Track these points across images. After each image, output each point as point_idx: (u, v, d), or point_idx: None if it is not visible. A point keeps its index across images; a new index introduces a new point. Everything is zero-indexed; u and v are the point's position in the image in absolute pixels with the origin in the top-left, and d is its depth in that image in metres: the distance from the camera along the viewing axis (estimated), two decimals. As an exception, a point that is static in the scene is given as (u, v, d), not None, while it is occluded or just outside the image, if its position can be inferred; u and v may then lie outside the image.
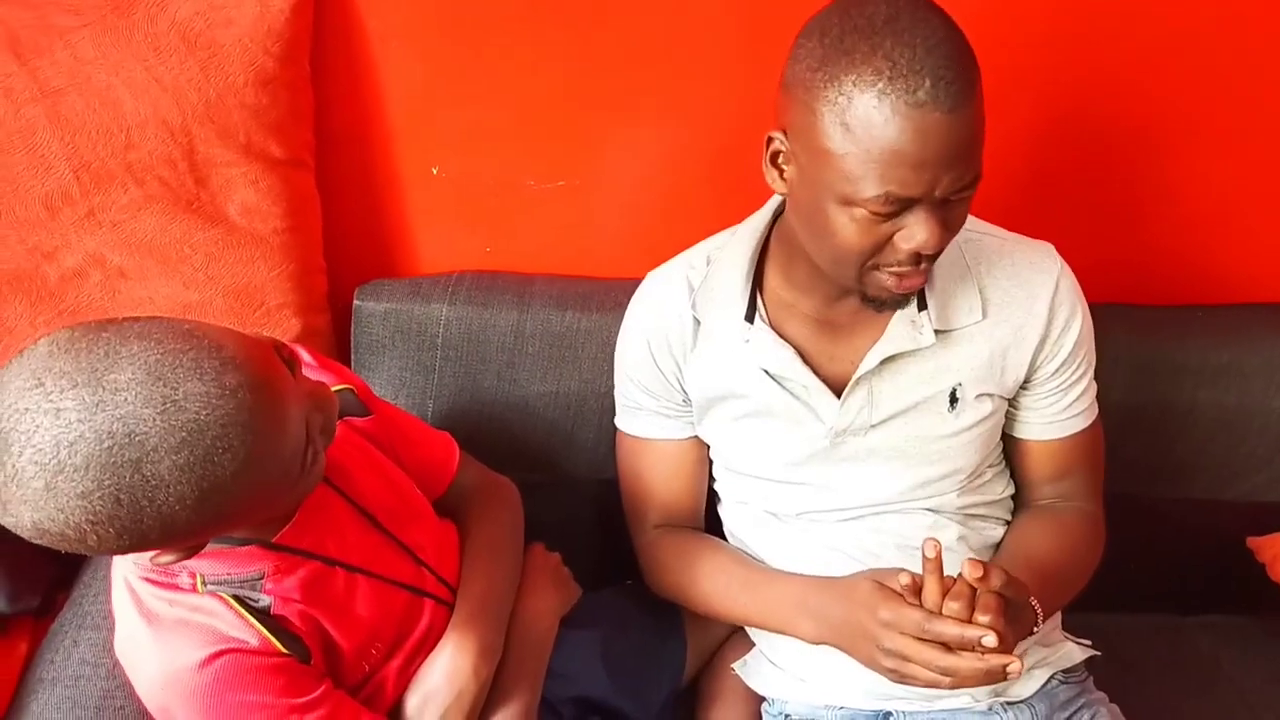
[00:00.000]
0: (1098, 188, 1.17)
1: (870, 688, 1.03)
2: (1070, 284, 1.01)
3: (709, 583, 1.10)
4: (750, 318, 1.00)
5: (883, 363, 0.98)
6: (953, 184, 0.81)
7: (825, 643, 1.00)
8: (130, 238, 1.14)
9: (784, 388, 1.01)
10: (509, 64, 1.20)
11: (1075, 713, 1.06)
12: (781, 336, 1.00)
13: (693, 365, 1.06)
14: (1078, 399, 1.05)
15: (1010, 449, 1.11)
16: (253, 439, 0.66)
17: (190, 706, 0.78)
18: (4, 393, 0.62)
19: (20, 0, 1.07)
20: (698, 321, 1.04)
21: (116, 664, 0.96)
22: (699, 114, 1.24)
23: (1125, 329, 1.27)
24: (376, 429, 0.99)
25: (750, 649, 1.16)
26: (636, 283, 1.28)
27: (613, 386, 1.20)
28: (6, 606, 1.11)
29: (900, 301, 0.94)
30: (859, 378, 0.98)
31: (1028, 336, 1.00)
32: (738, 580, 1.08)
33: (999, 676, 0.87)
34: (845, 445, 1.02)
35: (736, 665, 1.14)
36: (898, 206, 0.82)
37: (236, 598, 0.80)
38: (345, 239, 1.30)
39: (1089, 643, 1.09)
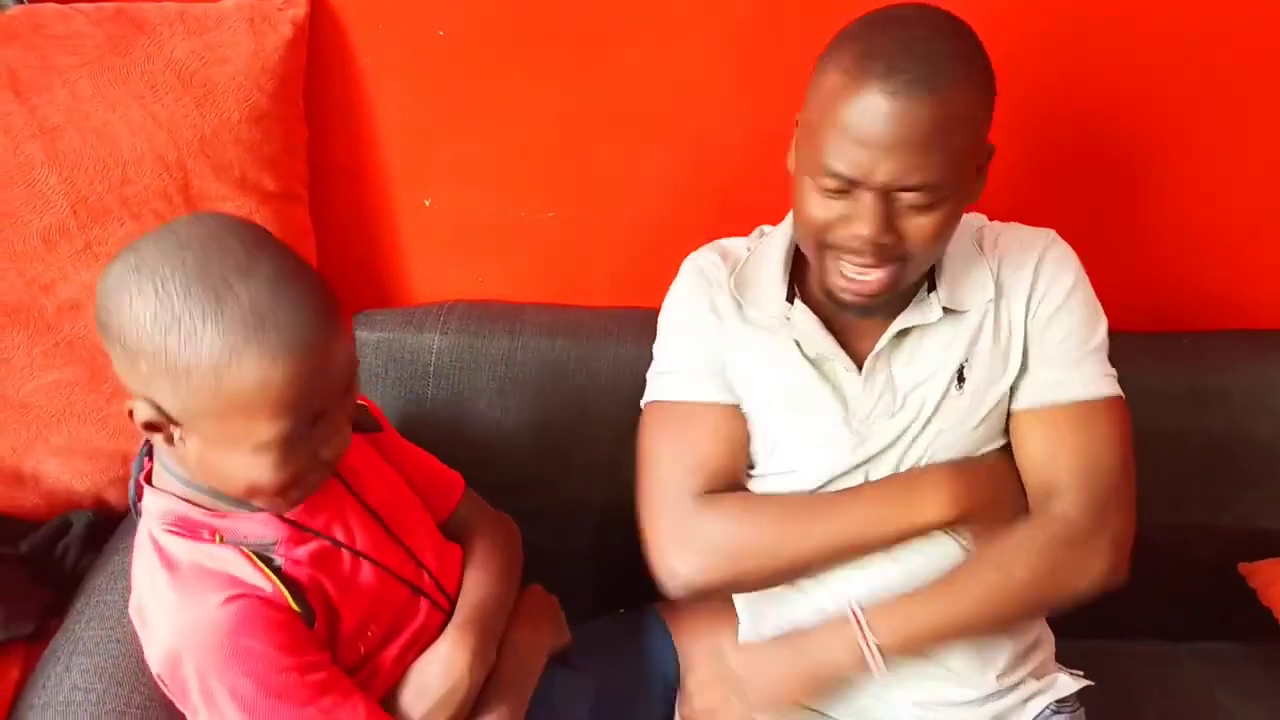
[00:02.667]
0: (1079, 217, 1.19)
1: (865, 707, 1.03)
2: (1062, 251, 1.02)
3: (789, 521, 1.00)
4: (791, 299, 1.02)
5: (898, 339, 0.99)
6: (893, 175, 0.84)
7: (967, 513, 0.97)
8: (127, 270, 1.15)
9: (818, 370, 1.01)
10: (500, 99, 1.23)
11: (1067, 743, 1.05)
12: None
13: (731, 342, 1.04)
14: (1064, 369, 1.00)
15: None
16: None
17: (202, 648, 0.80)
18: None
19: (21, 40, 1.10)
20: (737, 302, 1.04)
21: (108, 690, 0.98)
22: (687, 146, 1.26)
23: (1111, 357, 1.27)
24: (387, 444, 1.02)
25: None
26: (626, 311, 1.30)
27: (603, 413, 1.21)
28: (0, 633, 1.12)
29: (862, 306, 0.95)
30: (878, 353, 0.99)
31: (1019, 296, 1.00)
32: (819, 504, 1.01)
33: None
34: (870, 440, 1.00)
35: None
36: (844, 184, 0.86)
37: (253, 552, 0.85)
38: (339, 271, 1.31)
39: (1081, 673, 1.09)
